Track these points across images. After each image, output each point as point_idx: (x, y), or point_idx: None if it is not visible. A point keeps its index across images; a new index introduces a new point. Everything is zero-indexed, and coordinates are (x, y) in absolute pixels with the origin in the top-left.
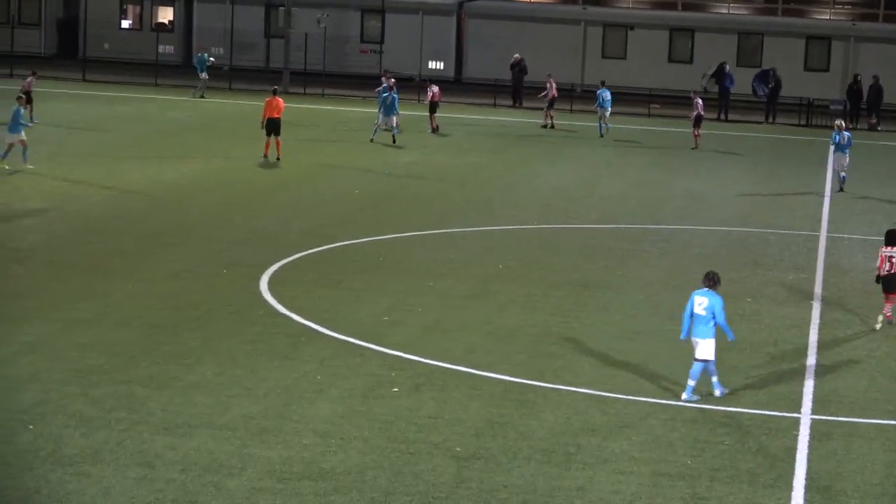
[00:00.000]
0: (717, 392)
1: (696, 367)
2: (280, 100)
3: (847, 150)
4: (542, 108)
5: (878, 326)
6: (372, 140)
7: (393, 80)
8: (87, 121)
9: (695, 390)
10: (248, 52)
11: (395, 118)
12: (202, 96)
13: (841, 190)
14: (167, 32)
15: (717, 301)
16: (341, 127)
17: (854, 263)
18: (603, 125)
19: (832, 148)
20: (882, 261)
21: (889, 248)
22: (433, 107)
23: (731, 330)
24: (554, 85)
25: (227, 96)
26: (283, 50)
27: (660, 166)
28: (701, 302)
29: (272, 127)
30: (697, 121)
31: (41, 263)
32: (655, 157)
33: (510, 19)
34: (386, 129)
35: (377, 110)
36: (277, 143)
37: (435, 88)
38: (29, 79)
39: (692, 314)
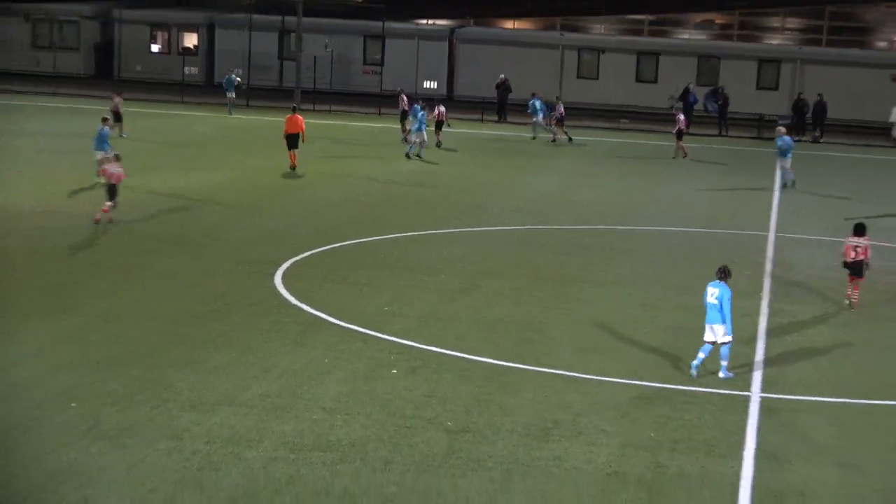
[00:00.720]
0: (722, 375)
1: (706, 348)
2: (299, 116)
3: (789, 155)
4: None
5: (848, 302)
6: (411, 156)
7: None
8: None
9: (698, 368)
10: (264, 72)
11: (424, 133)
12: (230, 113)
13: (786, 186)
14: (192, 55)
15: (727, 292)
16: (347, 139)
17: (799, 259)
18: (534, 130)
19: (777, 152)
20: (848, 249)
21: (855, 239)
22: (439, 124)
23: (731, 324)
24: (561, 106)
25: (246, 112)
26: (294, 71)
27: (631, 174)
28: (713, 292)
29: (291, 141)
30: (679, 134)
31: (78, 262)
32: (627, 167)
33: (496, 44)
34: (415, 143)
35: (413, 129)
36: (293, 155)
37: (441, 108)
38: (116, 99)
39: (705, 303)
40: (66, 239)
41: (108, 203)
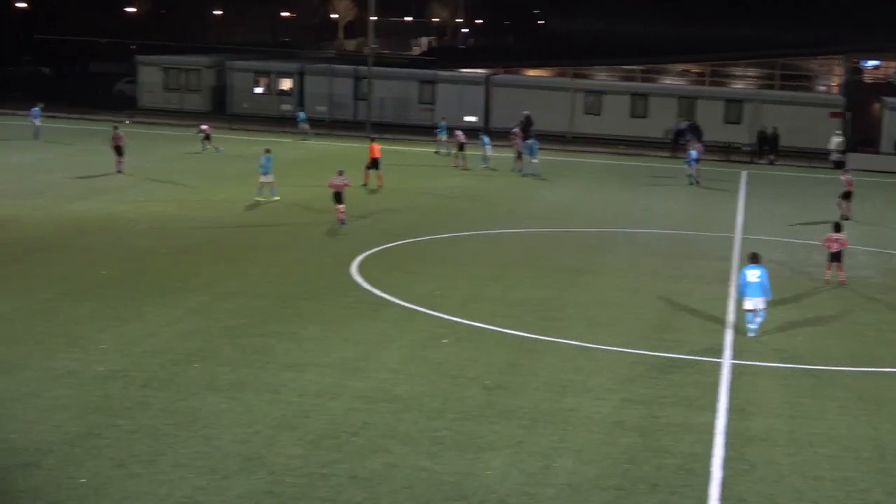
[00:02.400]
0: (752, 334)
1: (749, 316)
2: (377, 145)
3: (693, 163)
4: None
5: (828, 281)
6: (523, 174)
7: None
8: (232, 156)
9: (753, 329)
10: (342, 109)
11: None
12: (303, 140)
13: (694, 184)
14: (286, 96)
15: (765, 271)
16: (405, 161)
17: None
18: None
19: (687, 162)
20: (830, 241)
21: (836, 234)
22: (461, 146)
23: (770, 293)
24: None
25: (328, 140)
26: (366, 108)
27: (626, 190)
28: (755, 273)
29: (374, 164)
30: (696, 161)
31: (202, 254)
32: (622, 184)
33: (522, 87)
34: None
35: (523, 156)
36: (379, 176)
37: (460, 134)
38: (204, 126)
39: (746, 283)
40: (193, 236)
41: (340, 206)
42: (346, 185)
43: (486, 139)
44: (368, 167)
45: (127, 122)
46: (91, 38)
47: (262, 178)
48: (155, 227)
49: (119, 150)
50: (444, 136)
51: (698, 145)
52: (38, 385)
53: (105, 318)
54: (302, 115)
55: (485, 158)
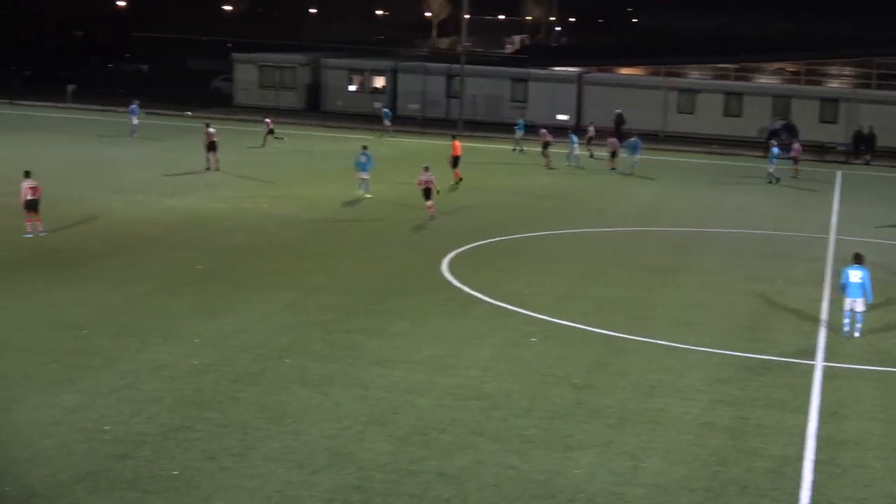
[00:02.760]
0: (857, 334)
1: (848, 314)
2: (457, 142)
3: (774, 160)
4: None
5: None
6: (618, 172)
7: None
8: (325, 154)
9: (848, 329)
10: (435, 107)
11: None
12: (390, 136)
13: (773, 182)
14: (379, 94)
15: (867, 272)
16: (496, 160)
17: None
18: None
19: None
20: None
21: None
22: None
23: (871, 295)
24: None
25: (420, 137)
26: (458, 106)
27: (718, 189)
28: (857, 273)
29: (455, 161)
30: (794, 160)
31: (294, 250)
32: (715, 183)
33: (614, 86)
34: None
35: (624, 153)
36: (456, 173)
37: (545, 132)
38: (267, 120)
39: (847, 282)
40: (286, 232)
41: (429, 202)
42: (432, 180)
43: (575, 138)
44: (453, 165)
45: (189, 113)
46: (189, 35)
47: (360, 175)
48: (273, 214)
49: (212, 147)
50: (521, 134)
51: (796, 145)
52: (134, 377)
53: (199, 312)
54: (388, 112)
55: (571, 157)
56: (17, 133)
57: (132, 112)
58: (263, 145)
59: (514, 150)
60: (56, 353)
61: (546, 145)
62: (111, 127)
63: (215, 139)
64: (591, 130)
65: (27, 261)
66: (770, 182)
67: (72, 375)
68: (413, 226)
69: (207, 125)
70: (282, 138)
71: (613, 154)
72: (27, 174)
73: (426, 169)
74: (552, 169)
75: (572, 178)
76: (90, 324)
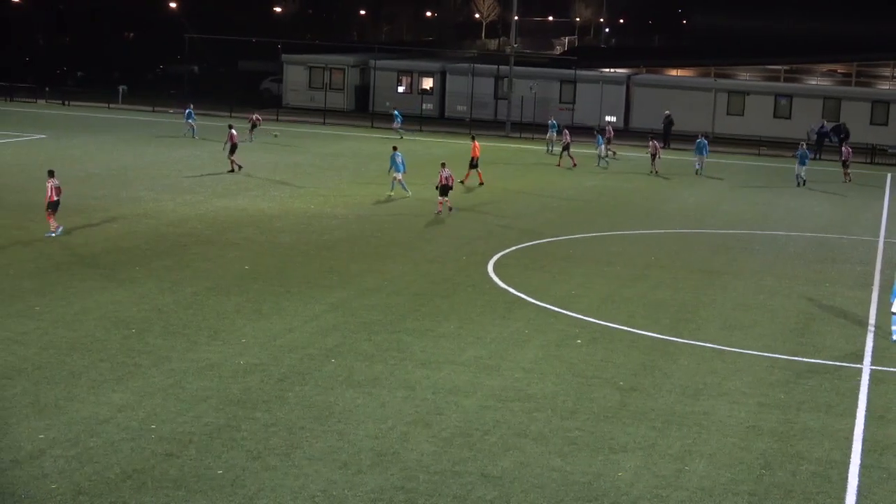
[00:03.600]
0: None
1: (895, 319)
2: (477, 143)
3: (806, 162)
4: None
5: None
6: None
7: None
8: (373, 155)
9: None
10: (483, 108)
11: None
12: (401, 137)
13: (800, 185)
14: (428, 95)
15: None
16: (546, 161)
17: None
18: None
19: (797, 161)
20: None
21: None
22: (567, 146)
23: None
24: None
25: (466, 139)
26: (506, 107)
27: (765, 191)
28: None
29: (473, 162)
30: (844, 163)
31: (342, 251)
32: (763, 185)
33: (663, 87)
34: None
35: (695, 154)
36: (479, 174)
37: (567, 133)
38: (255, 116)
39: None
40: (332, 233)
41: (442, 198)
42: (451, 176)
43: (601, 139)
44: (472, 165)
45: (276, 134)
46: (240, 37)
47: (395, 175)
48: (297, 225)
49: (233, 149)
50: (554, 135)
51: (844, 148)
52: (182, 376)
53: (247, 312)
54: (398, 115)
55: (599, 158)
56: (74, 134)
57: (188, 117)
58: (251, 140)
59: (548, 150)
60: (106, 351)
61: (566, 147)
62: (162, 127)
63: (236, 142)
64: (610, 130)
65: (82, 260)
66: (799, 185)
67: (120, 374)
68: (460, 228)
69: (230, 126)
70: (276, 135)
71: (653, 159)
72: (51, 174)
73: (443, 166)
74: (573, 168)
75: (624, 181)
76: (139, 322)
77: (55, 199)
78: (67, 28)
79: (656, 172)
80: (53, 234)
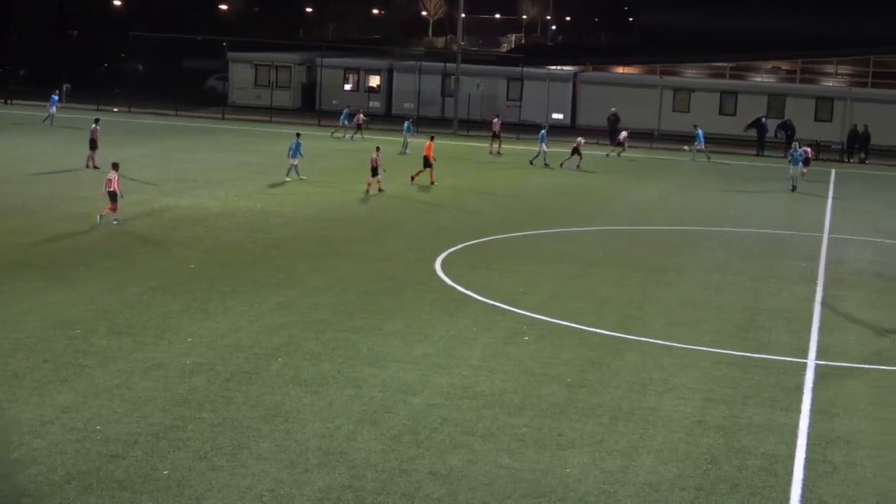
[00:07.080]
0: None
1: None
2: (432, 143)
3: (800, 163)
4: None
5: None
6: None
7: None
8: (320, 153)
9: None
10: (429, 106)
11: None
12: (351, 138)
13: (794, 189)
14: (375, 93)
15: None
16: (492, 159)
17: (847, 255)
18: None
19: (790, 160)
20: None
21: None
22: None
23: None
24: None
25: (417, 137)
26: (453, 105)
27: (712, 188)
28: None
29: (427, 162)
30: (806, 161)
31: (289, 249)
32: (709, 182)
33: (609, 84)
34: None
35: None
36: (430, 172)
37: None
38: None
39: None
40: (279, 231)
41: (372, 178)
42: (376, 159)
43: (543, 135)
44: (426, 165)
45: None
46: (185, 34)
47: (291, 161)
48: (242, 223)
49: (93, 144)
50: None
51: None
52: (128, 377)
53: (193, 311)
54: (346, 113)
55: (536, 155)
56: (10, 132)
57: (52, 102)
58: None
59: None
60: (50, 352)
61: (496, 135)
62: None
63: (96, 136)
64: (624, 135)
65: (26, 260)
66: (793, 189)
67: (65, 375)
68: (407, 225)
69: (96, 121)
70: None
71: (574, 151)
72: (115, 166)
73: (377, 149)
74: (499, 155)
75: (569, 178)
76: (84, 323)
77: (108, 190)
78: (10, 27)
79: (578, 167)
80: (116, 222)
